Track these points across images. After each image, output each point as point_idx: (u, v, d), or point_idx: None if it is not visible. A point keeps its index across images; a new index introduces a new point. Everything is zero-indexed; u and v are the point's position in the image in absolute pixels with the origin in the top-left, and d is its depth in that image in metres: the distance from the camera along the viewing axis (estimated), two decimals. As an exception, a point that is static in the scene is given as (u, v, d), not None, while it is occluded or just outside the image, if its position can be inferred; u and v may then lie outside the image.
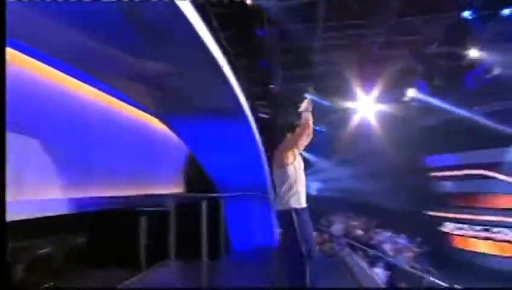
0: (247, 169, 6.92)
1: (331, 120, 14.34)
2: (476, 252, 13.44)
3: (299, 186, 2.89)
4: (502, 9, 6.70)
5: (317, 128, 16.02)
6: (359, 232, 13.21)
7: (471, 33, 7.53)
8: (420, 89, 10.47)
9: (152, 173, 7.47)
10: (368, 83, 11.32)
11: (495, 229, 13.15)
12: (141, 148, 7.00)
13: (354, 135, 15.14)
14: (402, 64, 9.48)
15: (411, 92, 10.73)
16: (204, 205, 4.70)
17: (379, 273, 9.91)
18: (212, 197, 5.17)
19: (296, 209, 2.78)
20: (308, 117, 2.89)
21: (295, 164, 2.90)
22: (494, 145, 12.85)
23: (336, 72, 10.99)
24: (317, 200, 16.31)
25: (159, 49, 3.73)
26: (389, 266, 10.21)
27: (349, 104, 12.92)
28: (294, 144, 2.89)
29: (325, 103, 12.80)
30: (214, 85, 4.84)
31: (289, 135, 3.02)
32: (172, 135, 6.84)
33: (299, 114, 3.00)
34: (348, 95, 12.18)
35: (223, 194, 5.59)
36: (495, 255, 13.01)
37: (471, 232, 13.82)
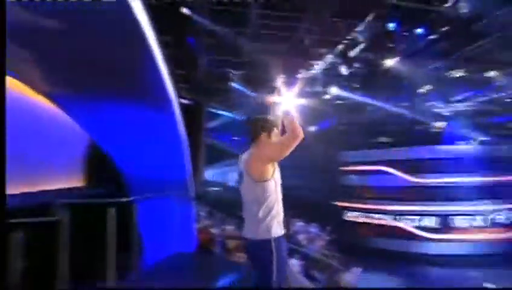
0: (166, 163, 5.98)
1: (252, 110, 14.12)
2: (374, 236, 15.41)
3: (279, 206, 2.30)
4: (418, 27, 7.39)
5: (238, 117, 15.73)
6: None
7: (392, 44, 8.16)
8: (342, 88, 11.00)
9: (40, 162, 5.81)
10: (292, 77, 11.33)
11: (387, 217, 15.21)
12: (25, 129, 5.32)
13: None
14: (326, 62, 9.73)
15: (333, 90, 11.19)
16: (111, 211, 3.71)
17: (294, 264, 10.16)
18: (120, 200, 4.15)
19: (276, 239, 2.21)
20: (294, 120, 2.25)
21: (275, 177, 2.31)
22: (394, 144, 14.83)
23: (263, 63, 10.67)
24: (237, 192, 16.05)
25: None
26: (304, 256, 10.59)
27: (271, 97, 12.82)
28: (280, 155, 2.24)
29: (248, 92, 12.42)
30: (132, 58, 3.79)
31: (263, 137, 2.37)
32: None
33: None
34: (272, 87, 12.05)
35: (136, 197, 4.58)
36: (387, 238, 15.12)
37: (370, 220, 15.70)
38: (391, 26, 7.34)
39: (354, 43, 8.86)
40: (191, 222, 6.06)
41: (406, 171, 14.92)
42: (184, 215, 5.82)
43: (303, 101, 13.21)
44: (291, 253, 10.52)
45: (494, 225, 14.67)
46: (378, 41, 8.37)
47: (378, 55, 8.92)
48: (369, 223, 15.85)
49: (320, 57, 9.67)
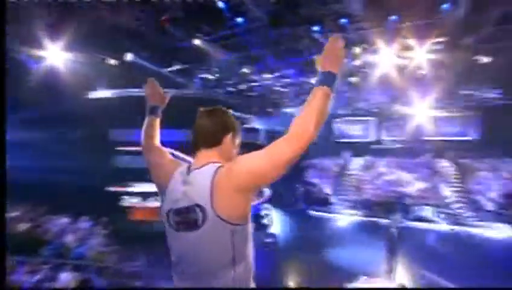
0: None
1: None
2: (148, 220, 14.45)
3: (252, 257, 1.49)
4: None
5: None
6: (22, 226, 9.72)
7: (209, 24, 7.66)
8: (137, 56, 9.10)
9: None
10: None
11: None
12: None
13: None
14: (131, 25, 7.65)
15: (129, 56, 9.06)
16: None
17: (66, 279, 7.84)
18: None
19: None
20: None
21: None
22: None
23: None
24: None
25: None
26: (77, 266, 8.30)
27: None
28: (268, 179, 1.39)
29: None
30: None
31: (228, 140, 1.54)
32: None
33: None
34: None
35: None
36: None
37: (143, 204, 14.48)
38: (219, 5, 6.75)
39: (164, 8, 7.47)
40: None
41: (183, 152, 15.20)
42: None
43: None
44: (60, 267, 7.94)
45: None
46: (193, 17, 7.55)
47: (189, 31, 8.09)
48: (146, 207, 14.74)
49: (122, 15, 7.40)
